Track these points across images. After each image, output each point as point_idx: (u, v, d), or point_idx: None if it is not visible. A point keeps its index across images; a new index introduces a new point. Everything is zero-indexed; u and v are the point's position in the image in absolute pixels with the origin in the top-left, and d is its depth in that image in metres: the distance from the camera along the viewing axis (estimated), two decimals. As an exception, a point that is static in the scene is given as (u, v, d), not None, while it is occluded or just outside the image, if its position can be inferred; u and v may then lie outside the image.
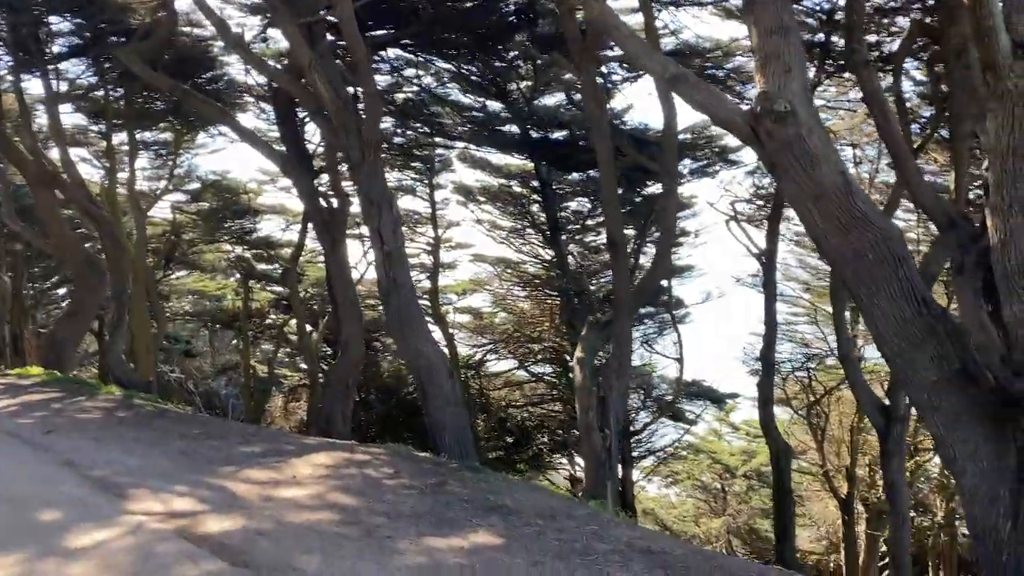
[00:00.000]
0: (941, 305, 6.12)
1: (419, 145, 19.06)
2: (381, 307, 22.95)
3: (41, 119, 16.23)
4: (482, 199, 21.06)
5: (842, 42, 13.18)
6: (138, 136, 18.62)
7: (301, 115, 14.74)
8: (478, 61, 15.64)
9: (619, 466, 13.42)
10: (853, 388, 12.65)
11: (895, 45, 12.07)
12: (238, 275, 24.01)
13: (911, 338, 5.94)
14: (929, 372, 5.91)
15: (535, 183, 19.16)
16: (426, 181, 20.93)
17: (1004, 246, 5.14)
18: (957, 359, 5.84)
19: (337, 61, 11.88)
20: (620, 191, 13.94)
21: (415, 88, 16.66)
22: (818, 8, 12.14)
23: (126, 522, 5.11)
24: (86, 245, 16.89)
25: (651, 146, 14.24)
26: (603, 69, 13.60)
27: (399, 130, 18.25)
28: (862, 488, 18.08)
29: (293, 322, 23.36)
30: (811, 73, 11.77)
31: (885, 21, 11.98)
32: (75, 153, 17.55)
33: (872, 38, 13.02)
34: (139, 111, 17.37)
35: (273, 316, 25.05)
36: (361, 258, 21.49)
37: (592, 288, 19.69)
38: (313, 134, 16.48)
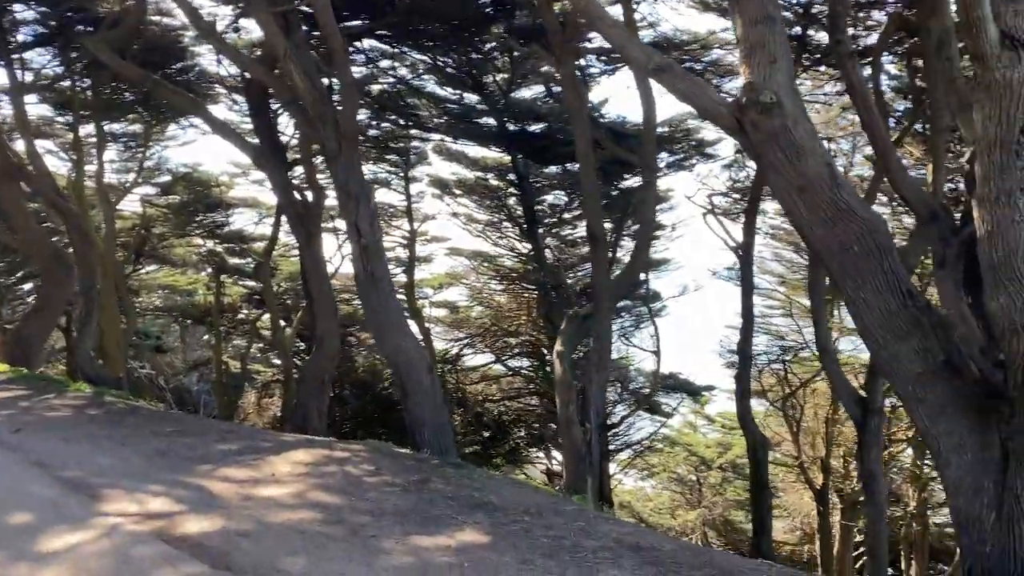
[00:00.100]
0: (926, 298, 6.12)
1: (394, 137, 18.86)
2: (356, 302, 22.98)
3: (5, 110, 15.83)
4: (458, 192, 20.92)
5: (819, 35, 13.35)
6: (106, 128, 18.22)
7: (274, 107, 14.53)
8: (454, 53, 15.47)
9: (599, 460, 13.36)
10: (831, 380, 12.71)
11: (870, 39, 12.15)
12: (210, 269, 23.65)
13: (896, 330, 5.94)
14: (914, 364, 5.92)
15: (512, 176, 19.05)
16: (401, 174, 20.74)
17: (991, 237, 5.13)
18: (942, 351, 5.85)
19: (311, 52, 11.68)
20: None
21: (390, 80, 16.47)
22: (795, 1, 12.14)
23: (100, 524, 4.95)
24: (53, 239, 16.51)
25: (629, 139, 14.20)
26: (580, 62, 13.50)
27: (374, 122, 18.03)
28: (836, 479, 18.24)
29: (266, 317, 23.07)
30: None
31: (861, 15, 12.02)
32: (41, 145, 17.08)
33: (848, 32, 13.09)
34: (107, 102, 16.98)
35: (245, 311, 24.72)
36: (335, 252, 21.33)
37: (569, 282, 19.64)
38: (286, 126, 16.25)
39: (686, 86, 6.41)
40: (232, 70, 14.89)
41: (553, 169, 18.82)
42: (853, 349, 18.37)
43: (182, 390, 23.34)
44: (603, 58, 14.03)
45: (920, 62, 10.43)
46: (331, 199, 15.23)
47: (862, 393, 11.83)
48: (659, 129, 14.25)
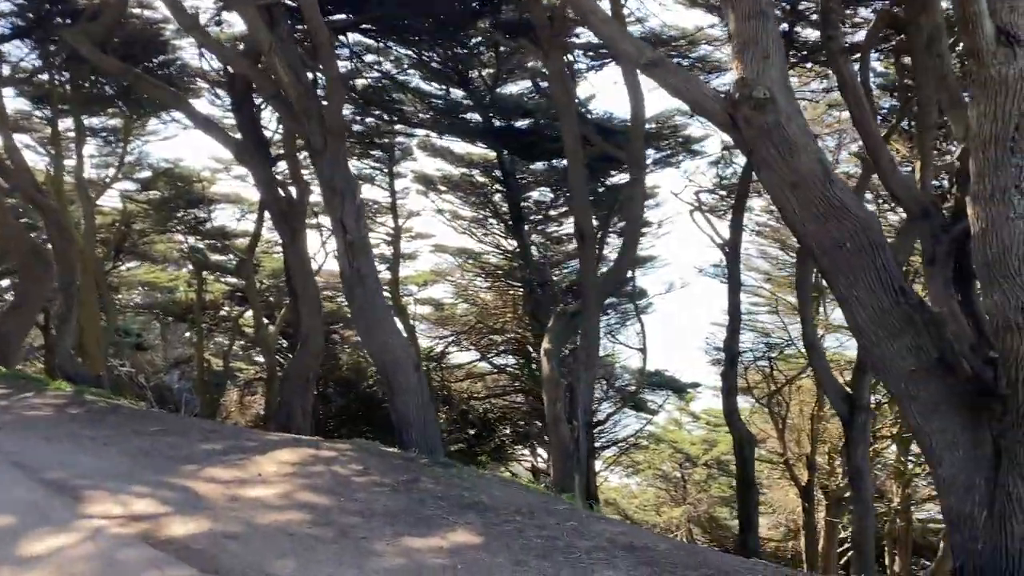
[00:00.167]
0: (919, 295, 6.10)
1: (379, 133, 18.71)
2: (340, 299, 22.82)
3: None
4: (443, 188, 20.79)
5: (805, 32, 13.37)
6: (86, 122, 17.92)
7: (258, 101, 14.36)
8: (439, 48, 15.35)
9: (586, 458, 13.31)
10: (818, 377, 12.74)
11: (856, 36, 12.17)
12: (191, 266, 23.40)
13: (889, 328, 5.91)
14: (907, 362, 5.89)
15: (497, 172, 18.94)
16: (386, 170, 20.59)
17: (985, 235, 5.10)
18: (935, 349, 5.83)
19: (296, 46, 11.53)
20: (583, 180, 13.79)
21: (375, 74, 16.32)
22: (783, -3, 12.14)
23: (84, 527, 4.82)
24: (31, 235, 16.24)
25: (616, 135, 14.14)
26: (568, 57, 13.42)
27: (358, 117, 17.87)
28: (822, 476, 18.31)
29: (249, 314, 22.85)
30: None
31: (848, 11, 12.03)
32: (19, 139, 16.81)
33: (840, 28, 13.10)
34: (87, 96, 16.71)
35: (227, 308, 24.49)
36: (319, 248, 21.15)
37: (555, 279, 19.58)
38: (269, 121, 16.06)
39: (678, 81, 6.36)
40: (215, 64, 14.71)
41: (539, 165, 18.74)
42: (839, 346, 18.48)
43: (163, 388, 23.09)
44: (590, 53, 13.96)
45: (907, 59, 10.44)
46: (315, 195, 15.11)
47: (848, 390, 11.86)
48: (646, 125, 14.21)
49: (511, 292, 21.21)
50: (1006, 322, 5.10)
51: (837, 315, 18.75)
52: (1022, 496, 5.38)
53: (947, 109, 7.27)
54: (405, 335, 18.99)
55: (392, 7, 12.85)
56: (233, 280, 23.50)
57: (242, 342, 25.14)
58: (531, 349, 19.99)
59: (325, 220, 20.94)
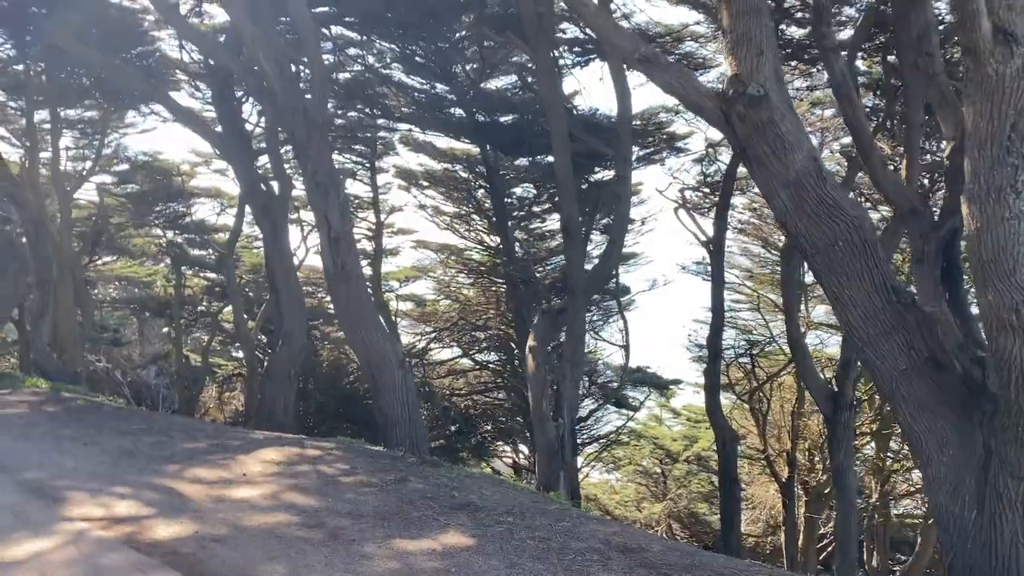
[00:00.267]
0: (911, 294, 6.09)
1: (361, 127, 18.52)
2: (321, 295, 22.63)
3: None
4: (425, 184, 20.63)
5: (790, 30, 13.36)
6: (62, 113, 17.62)
7: (238, 94, 14.16)
8: (423, 41, 15.21)
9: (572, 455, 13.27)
10: (803, 374, 12.77)
11: (840, 35, 12.16)
12: (169, 261, 23.09)
13: (881, 327, 5.91)
14: (898, 361, 5.89)
15: (481, 168, 18.81)
16: (367, 165, 20.40)
17: (980, 234, 5.08)
18: (926, 348, 5.83)
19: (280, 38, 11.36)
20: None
21: (358, 68, 16.14)
22: (768, -5, 12.09)
23: (65, 530, 4.69)
24: (6, 228, 15.90)
25: (601, 131, 14.08)
26: (553, 53, 13.34)
27: (340, 111, 17.68)
28: (802, 472, 18.38)
29: (228, 309, 22.60)
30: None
31: (833, 10, 12.02)
32: (-7, 131, 16.54)
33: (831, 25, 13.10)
34: (63, 87, 16.39)
35: (206, 303, 24.20)
36: (300, 243, 20.98)
37: (539, 275, 19.49)
38: (251, 114, 15.87)
39: (672, 77, 6.30)
40: (195, 55, 14.47)
41: (523, 161, 18.62)
42: (819, 343, 18.57)
43: (140, 384, 22.78)
44: (576, 49, 13.89)
45: (892, 57, 10.45)
46: (296, 190, 14.95)
47: (833, 388, 11.90)
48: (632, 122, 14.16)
49: (494, 288, 21.09)
50: (1000, 322, 5.08)
51: (819, 312, 18.87)
52: (1012, 495, 5.39)
53: (937, 108, 7.25)
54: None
55: (377, 1, 12.73)
56: (212, 275, 23.21)
57: (221, 337, 24.86)
58: (514, 346, 19.90)
59: (306, 215, 20.79)
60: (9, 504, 5.15)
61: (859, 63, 13.43)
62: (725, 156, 15.55)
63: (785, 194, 6.01)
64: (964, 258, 8.37)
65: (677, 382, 21.52)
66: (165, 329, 26.10)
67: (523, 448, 22.43)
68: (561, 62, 14.51)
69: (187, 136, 57.87)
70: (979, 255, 5.14)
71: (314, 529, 4.91)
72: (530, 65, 13.70)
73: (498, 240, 19.59)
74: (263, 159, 15.92)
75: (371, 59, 16.16)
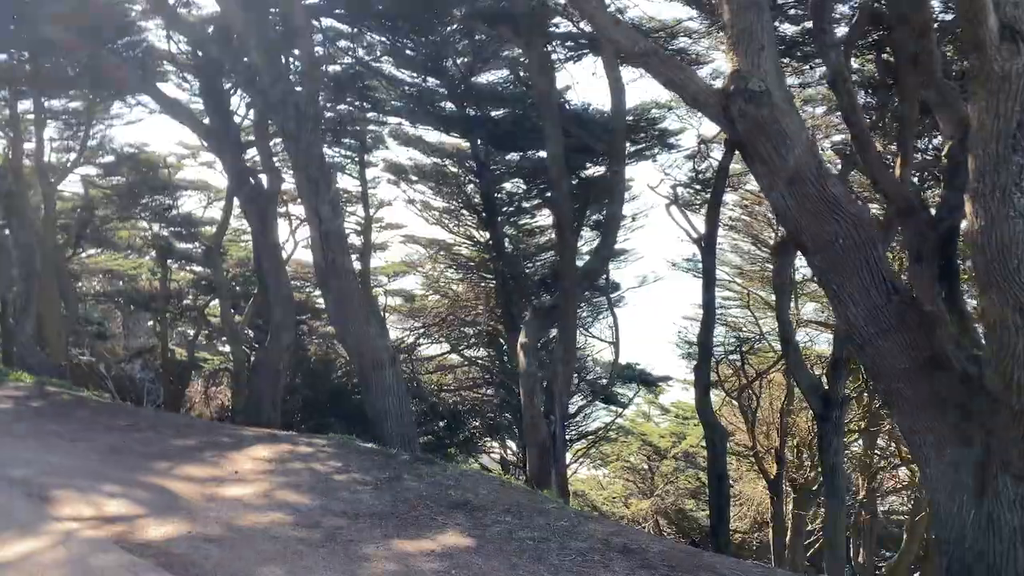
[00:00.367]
0: (911, 292, 6.06)
1: (351, 120, 18.35)
2: (309, 289, 22.46)
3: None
4: (414, 178, 20.49)
5: (783, 27, 13.32)
6: (46, 104, 17.35)
7: (227, 86, 13.98)
8: (414, 34, 15.06)
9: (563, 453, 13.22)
10: (794, 372, 12.76)
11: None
12: (155, 254, 22.84)
13: (881, 325, 5.86)
14: (898, 360, 5.85)
15: (471, 162, 18.69)
16: (357, 158, 20.24)
17: (984, 233, 5.04)
18: (926, 347, 5.80)
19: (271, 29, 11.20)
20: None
21: (348, 60, 15.99)
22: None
23: (55, 530, 4.58)
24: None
25: (593, 126, 14.01)
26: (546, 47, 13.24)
27: (329, 104, 17.51)
28: (790, 469, 18.43)
29: (214, 303, 22.39)
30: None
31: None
32: (-25, 121, 16.27)
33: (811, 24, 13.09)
34: (47, 76, 16.12)
35: (192, 297, 23.96)
36: (288, 237, 20.80)
37: (528, 271, 19.41)
38: (238, 106, 15.67)
39: (672, 72, 6.24)
40: (183, 46, 14.27)
41: (513, 156, 18.51)
42: (808, 341, 18.61)
43: (124, 378, 22.56)
44: (569, 44, 13.79)
45: (886, 55, 10.43)
46: (285, 183, 14.79)
47: (824, 386, 11.90)
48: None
49: (483, 284, 20.99)
50: (1003, 321, 5.06)
51: (808, 310, 18.92)
52: (1011, 495, 5.38)
53: (935, 106, 7.23)
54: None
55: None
56: (199, 268, 22.98)
57: (207, 331, 24.64)
58: (503, 342, 19.82)
59: (294, 209, 20.63)
60: (-4, 503, 5.03)
61: (851, 61, 13.44)
62: (717, 152, 15.52)
63: (786, 191, 5.96)
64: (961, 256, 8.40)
65: (666, 379, 21.52)
66: (150, 323, 25.86)
67: (511, 444, 22.38)
68: (553, 56, 14.44)
69: (174, 128, 57.40)
70: (983, 253, 5.10)
71: (310, 529, 4.83)
72: (523, 59, 13.59)
73: (487, 235, 19.48)
74: (251, 152, 15.74)
75: (361, 52, 16.01)
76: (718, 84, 6.65)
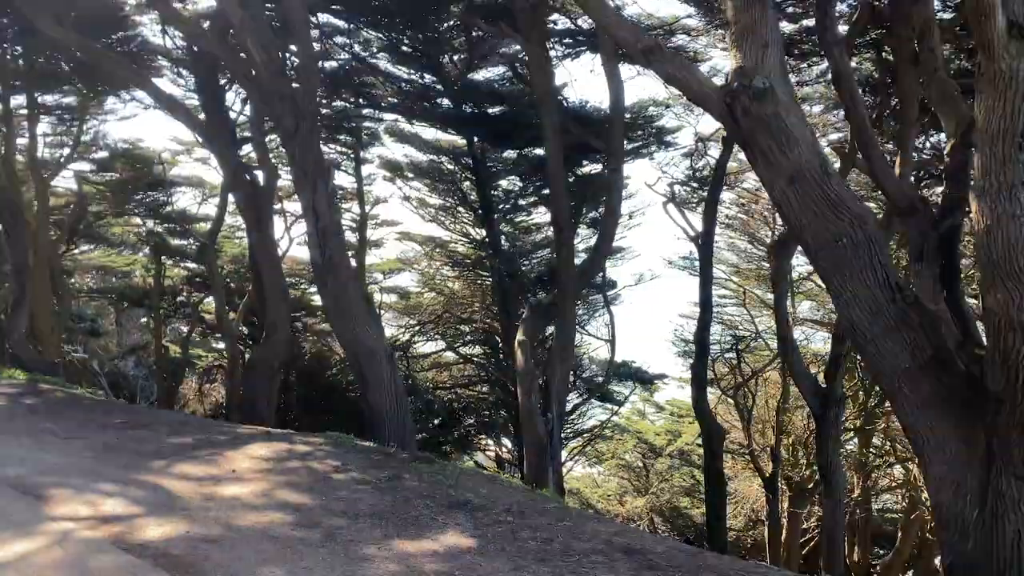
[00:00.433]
0: (915, 292, 6.03)
1: (347, 117, 18.26)
2: (304, 286, 22.38)
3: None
4: (410, 175, 20.42)
5: (781, 25, 13.28)
6: (39, 99, 17.21)
7: (222, 81, 13.88)
8: (410, 30, 14.99)
9: (559, 451, 13.19)
10: (791, 370, 12.75)
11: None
12: (148, 250, 22.71)
13: (884, 324, 5.83)
14: (900, 359, 5.81)
15: (467, 160, 18.62)
16: (352, 155, 20.14)
17: (990, 232, 5.01)
18: (930, 346, 5.77)
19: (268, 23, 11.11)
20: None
21: (345, 57, 15.90)
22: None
23: (51, 530, 4.51)
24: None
25: (591, 123, 13.97)
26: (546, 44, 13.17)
27: (325, 100, 17.41)
28: (785, 467, 18.43)
29: (208, 300, 22.28)
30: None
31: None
32: (-33, 116, 16.09)
33: (811, 22, 13.07)
34: (41, 71, 16.00)
35: (186, 293, 23.84)
36: (283, 234, 20.71)
37: (524, 269, 19.36)
38: (233, 102, 15.59)
39: (675, 69, 6.19)
40: (178, 41, 14.17)
41: (510, 153, 18.45)
42: (804, 339, 18.61)
43: (117, 375, 22.46)
44: (566, 41, 13.74)
45: (890, 53, 10.41)
46: (280, 179, 14.71)
47: (822, 385, 11.89)
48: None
49: (479, 282, 20.94)
50: (1009, 322, 5.02)
51: (803, 308, 18.92)
52: (1015, 495, 5.34)
53: (937, 105, 7.19)
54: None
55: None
56: (193, 265, 22.87)
57: (201, 328, 24.53)
58: (499, 339, 19.77)
59: (288, 206, 20.55)
60: (-10, 502, 4.96)
61: (850, 59, 13.41)
62: (714, 150, 15.50)
63: (789, 189, 5.92)
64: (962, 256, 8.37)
65: (662, 377, 21.51)
66: (144, 320, 25.74)
67: (506, 442, 22.34)
68: (551, 53, 14.38)
69: (168, 124, 57.16)
70: (988, 253, 5.07)
71: (310, 529, 4.77)
72: (523, 55, 13.53)
73: (483, 233, 19.42)
74: (247, 148, 15.65)
75: (357, 48, 15.93)
76: (717, 81, 6.58)
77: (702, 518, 20.79)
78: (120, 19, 14.64)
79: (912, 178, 13.53)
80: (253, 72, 10.25)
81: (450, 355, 22.49)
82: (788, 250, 12.38)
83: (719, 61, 14.62)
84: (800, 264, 17.12)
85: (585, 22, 13.43)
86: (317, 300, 21.59)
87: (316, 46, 15.16)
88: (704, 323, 14.49)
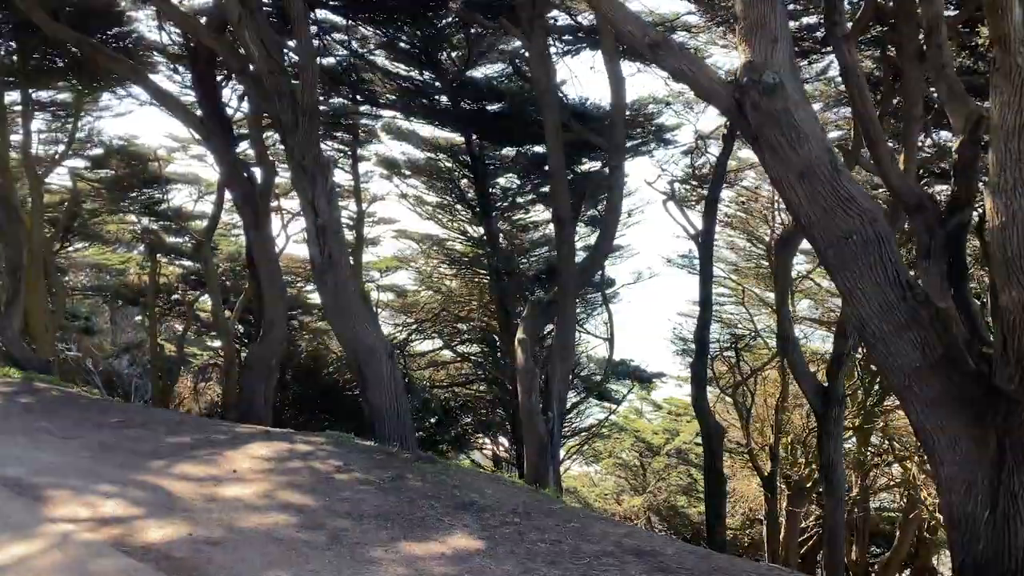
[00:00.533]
0: (925, 290, 5.96)
1: (344, 114, 18.15)
2: (300, 284, 22.25)
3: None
4: (407, 173, 20.31)
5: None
6: (33, 95, 17.04)
7: (219, 77, 13.75)
8: (408, 27, 14.89)
9: (559, 450, 13.12)
10: (793, 369, 12.69)
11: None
12: (143, 248, 22.54)
13: (894, 323, 5.76)
14: (911, 357, 5.74)
15: (465, 157, 18.52)
16: (349, 152, 20.02)
17: (1005, 229, 4.95)
18: (940, 345, 5.70)
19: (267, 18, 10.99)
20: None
21: (342, 53, 15.80)
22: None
23: (50, 532, 4.41)
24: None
25: (591, 120, 13.89)
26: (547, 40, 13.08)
27: (323, 97, 17.30)
28: (784, 466, 18.39)
29: (204, 298, 22.14)
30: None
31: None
32: (-40, 112, 15.89)
33: (811, 19, 13.02)
34: (35, 67, 15.84)
35: (182, 292, 23.69)
36: (280, 232, 20.57)
37: (523, 267, 19.26)
38: (230, 98, 15.44)
39: (683, 64, 6.10)
40: (174, 37, 14.04)
41: (508, 151, 18.36)
42: (803, 338, 18.55)
43: (111, 374, 22.29)
44: (566, 37, 13.66)
45: (894, 50, 10.35)
46: (278, 177, 14.58)
47: (824, 383, 11.83)
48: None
49: (477, 280, 20.84)
50: (1023, 320, 4.96)
51: (803, 307, 18.87)
52: (1027, 496, 5.29)
53: (945, 101, 7.11)
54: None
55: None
56: (188, 263, 22.71)
57: (196, 327, 24.38)
58: (496, 338, 19.68)
59: (285, 203, 20.41)
60: (-13, 503, 4.86)
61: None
62: (714, 148, 15.43)
63: (798, 185, 5.84)
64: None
65: (660, 375, 21.45)
66: (139, 318, 25.58)
67: (503, 440, 22.26)
68: (551, 50, 14.29)
69: (164, 120, 56.91)
70: (1003, 250, 5.01)
71: (314, 531, 4.68)
72: (522, 52, 13.44)
73: (481, 231, 19.33)
74: (243, 145, 15.53)
75: (355, 44, 15.82)
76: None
77: (699, 517, 20.75)
78: (116, 14, 14.52)
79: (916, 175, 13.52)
80: (251, 67, 10.14)
81: (447, 353, 22.39)
82: (790, 248, 12.31)
83: (719, 58, 14.57)
84: (799, 263, 17.10)
85: (585, 18, 13.36)
86: (313, 298, 21.51)
87: (315, 42, 15.08)
88: (704, 321, 14.41)
